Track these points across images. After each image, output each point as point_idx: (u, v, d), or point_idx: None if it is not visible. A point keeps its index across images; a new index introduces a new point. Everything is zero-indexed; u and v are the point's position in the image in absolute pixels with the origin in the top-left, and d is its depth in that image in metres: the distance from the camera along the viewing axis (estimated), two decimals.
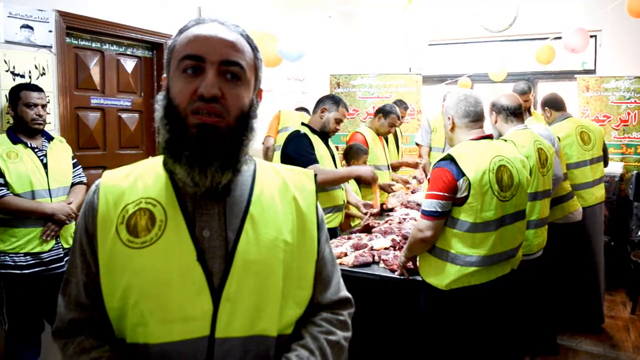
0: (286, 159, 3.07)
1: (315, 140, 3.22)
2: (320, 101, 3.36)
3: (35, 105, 2.66)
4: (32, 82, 2.97)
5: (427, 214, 2.13)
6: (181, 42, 0.96)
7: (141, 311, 0.92)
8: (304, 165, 2.89)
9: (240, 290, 0.93)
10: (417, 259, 2.34)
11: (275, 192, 1.03)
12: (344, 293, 1.13)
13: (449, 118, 2.32)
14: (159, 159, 1.01)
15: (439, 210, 2.10)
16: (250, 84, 0.99)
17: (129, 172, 1.02)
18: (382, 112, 4.26)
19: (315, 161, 3.05)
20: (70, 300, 0.99)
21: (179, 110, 0.92)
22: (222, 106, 0.92)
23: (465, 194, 2.08)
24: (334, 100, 3.35)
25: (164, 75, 1.01)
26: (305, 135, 3.20)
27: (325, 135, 3.33)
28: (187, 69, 0.93)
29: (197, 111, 0.91)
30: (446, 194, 2.09)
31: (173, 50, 0.98)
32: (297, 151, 3.07)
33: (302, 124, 3.36)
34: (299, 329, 1.03)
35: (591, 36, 5.25)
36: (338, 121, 3.32)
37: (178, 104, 0.92)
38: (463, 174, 2.08)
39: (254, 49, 1.01)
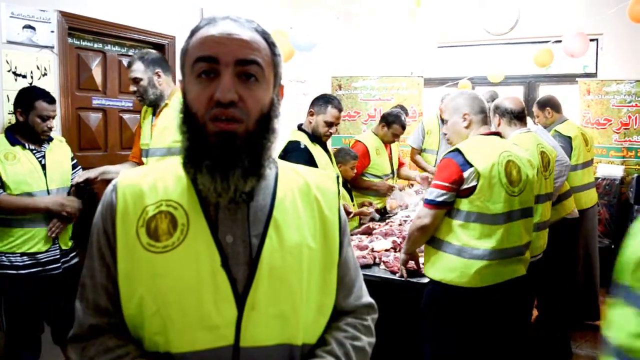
0: None
1: (316, 151, 2.99)
2: (312, 102, 3.07)
3: (49, 117, 2.64)
4: (34, 84, 2.97)
5: (427, 202, 2.17)
6: (193, 44, 0.91)
7: (162, 319, 0.88)
8: None
9: (265, 298, 0.90)
10: (421, 259, 2.35)
11: (297, 195, 0.99)
12: (367, 298, 1.10)
13: (465, 116, 2.29)
14: (178, 160, 0.95)
15: (439, 200, 2.12)
16: (270, 82, 0.94)
17: (147, 173, 0.97)
18: (385, 121, 4.02)
19: None
20: (89, 305, 0.94)
21: (197, 117, 0.88)
22: (240, 110, 0.87)
23: (473, 184, 2.09)
24: (325, 100, 3.01)
25: (181, 79, 0.96)
26: (305, 149, 2.92)
27: (320, 138, 3.08)
28: (201, 73, 0.89)
29: (216, 118, 0.86)
30: (450, 185, 2.11)
31: (186, 53, 0.93)
32: None
33: (299, 127, 3.12)
34: (323, 334, 1.00)
35: (592, 40, 5.26)
36: (328, 124, 2.99)
37: (196, 111, 0.88)
38: (470, 165, 2.10)
39: (271, 44, 0.95)
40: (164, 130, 2.62)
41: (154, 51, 2.92)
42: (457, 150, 2.16)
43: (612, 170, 4.79)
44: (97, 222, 0.96)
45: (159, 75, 2.70)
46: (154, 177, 0.96)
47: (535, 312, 3.90)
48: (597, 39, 5.43)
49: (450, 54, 6.33)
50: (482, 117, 2.30)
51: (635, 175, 4.74)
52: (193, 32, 0.94)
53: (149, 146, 2.71)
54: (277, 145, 0.99)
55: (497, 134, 2.33)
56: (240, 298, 0.89)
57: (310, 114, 3.05)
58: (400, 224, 3.38)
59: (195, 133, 0.89)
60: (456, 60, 6.30)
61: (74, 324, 0.96)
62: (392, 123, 3.97)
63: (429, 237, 2.21)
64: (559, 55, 4.81)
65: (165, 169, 0.98)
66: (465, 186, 2.11)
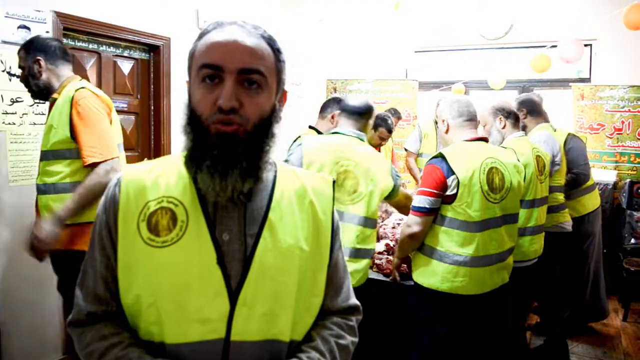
0: None
1: None
2: (329, 105, 3.20)
3: None
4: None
5: (415, 210, 2.18)
6: (200, 49, 0.94)
7: (157, 310, 0.92)
8: None
9: (256, 295, 0.94)
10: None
11: (293, 197, 1.03)
12: (354, 300, 1.14)
13: (443, 121, 2.35)
14: (181, 157, 1.00)
15: (427, 206, 2.14)
16: (272, 89, 0.97)
17: (151, 169, 1.00)
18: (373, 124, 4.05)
19: None
20: (88, 292, 0.99)
21: (201, 120, 0.92)
22: (240, 116, 0.91)
23: (454, 191, 2.11)
24: None
25: (187, 79, 1.00)
26: None
27: None
28: (206, 78, 0.92)
29: (218, 121, 0.90)
30: (435, 191, 2.13)
31: (193, 56, 0.96)
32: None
33: (310, 127, 3.22)
34: (310, 332, 1.04)
35: (586, 45, 5.30)
36: None
37: (200, 114, 0.92)
38: (453, 172, 2.12)
39: (276, 50, 0.99)
40: (49, 130, 2.33)
41: (45, 37, 2.58)
42: (441, 157, 2.17)
43: (605, 175, 4.82)
44: (99, 214, 1.00)
45: (39, 64, 2.38)
46: (156, 173, 0.99)
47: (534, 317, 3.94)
48: (591, 44, 5.47)
49: (445, 58, 6.36)
50: (462, 122, 2.30)
51: (628, 180, 4.76)
52: (201, 36, 0.97)
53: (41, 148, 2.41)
54: (281, 146, 1.01)
55: (484, 139, 2.33)
56: (233, 294, 0.93)
57: (332, 116, 3.13)
58: (393, 227, 3.39)
59: (199, 134, 0.92)
60: (451, 64, 6.32)
61: (73, 309, 1.00)
62: (379, 126, 3.93)
63: (419, 244, 2.22)
64: (553, 60, 4.84)
65: (169, 166, 1.01)
66: (448, 193, 2.13)
